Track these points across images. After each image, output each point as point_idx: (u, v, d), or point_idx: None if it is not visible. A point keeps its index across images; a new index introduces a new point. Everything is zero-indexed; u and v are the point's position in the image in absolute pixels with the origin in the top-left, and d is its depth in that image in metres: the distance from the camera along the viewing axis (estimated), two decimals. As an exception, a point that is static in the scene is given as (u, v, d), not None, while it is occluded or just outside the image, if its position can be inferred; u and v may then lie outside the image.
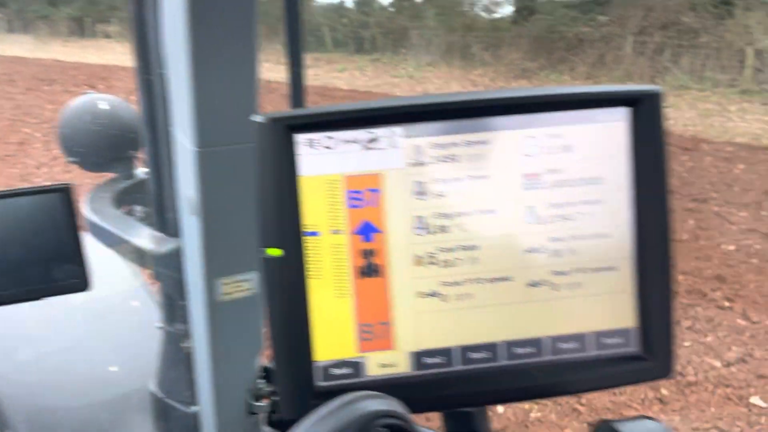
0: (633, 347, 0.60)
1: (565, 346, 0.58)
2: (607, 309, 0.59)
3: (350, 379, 0.57)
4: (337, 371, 0.57)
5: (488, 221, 0.57)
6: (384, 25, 14.62)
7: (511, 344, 0.58)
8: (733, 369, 2.95)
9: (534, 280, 0.58)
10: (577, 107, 0.57)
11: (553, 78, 11.43)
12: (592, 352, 0.59)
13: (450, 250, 0.57)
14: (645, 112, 0.57)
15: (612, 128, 0.58)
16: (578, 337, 0.59)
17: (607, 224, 0.58)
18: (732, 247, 4.34)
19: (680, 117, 8.68)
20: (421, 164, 0.56)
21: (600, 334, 0.59)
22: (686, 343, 3.20)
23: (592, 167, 0.58)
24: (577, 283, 0.58)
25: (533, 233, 0.57)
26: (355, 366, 0.57)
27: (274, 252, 0.54)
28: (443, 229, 0.56)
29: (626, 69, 11.11)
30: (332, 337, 0.56)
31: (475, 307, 0.57)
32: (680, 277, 3.83)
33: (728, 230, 4.63)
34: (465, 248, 0.57)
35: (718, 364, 2.99)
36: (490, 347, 0.58)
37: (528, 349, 0.58)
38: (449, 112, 0.56)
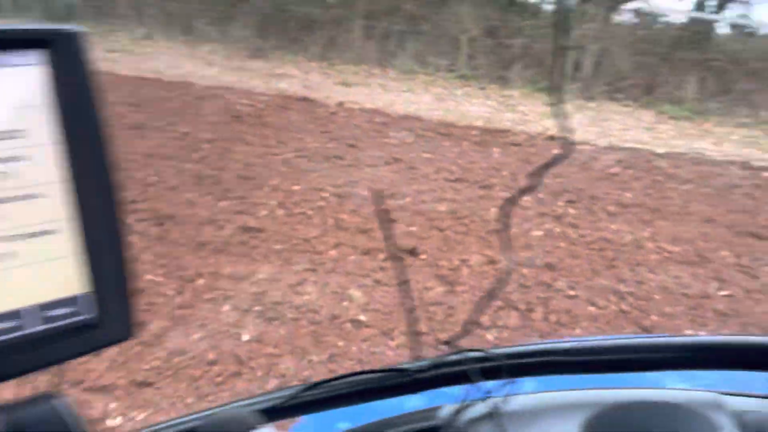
0: (86, 315, 0.56)
1: None
2: (51, 278, 0.54)
3: None
4: None
5: None
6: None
7: None
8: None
9: None
10: None
11: (289, 59, 11.24)
12: (37, 328, 0.53)
13: None
14: (63, 56, 0.53)
15: (27, 74, 0.52)
16: (14, 315, 0.52)
17: (37, 183, 0.53)
18: (540, 233, 4.73)
19: (420, 101, 9.29)
20: None
21: (44, 307, 0.54)
22: (565, 340, 3.33)
23: (11, 119, 0.52)
24: (9, 252, 0.52)
25: None
26: None
27: None
28: None
29: (357, 52, 11.48)
30: None
31: None
32: (514, 274, 4.02)
33: (520, 215, 5.04)
34: None
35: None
36: None
37: None
38: None
